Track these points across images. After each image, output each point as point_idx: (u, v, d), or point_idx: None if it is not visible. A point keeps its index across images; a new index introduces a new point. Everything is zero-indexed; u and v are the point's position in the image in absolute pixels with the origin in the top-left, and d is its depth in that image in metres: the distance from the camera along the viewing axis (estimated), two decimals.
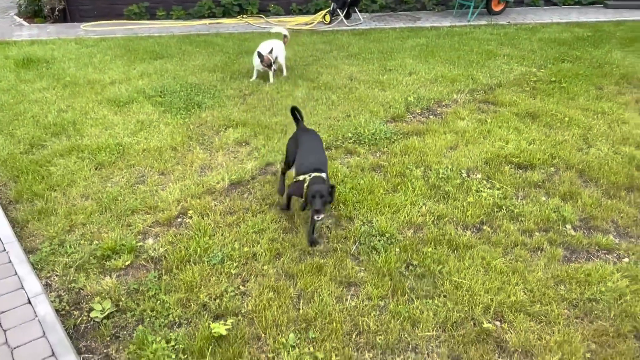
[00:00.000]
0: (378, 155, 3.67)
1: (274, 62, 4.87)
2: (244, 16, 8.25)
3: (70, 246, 2.73)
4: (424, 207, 3.06)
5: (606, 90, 4.77)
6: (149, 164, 3.56)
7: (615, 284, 2.48)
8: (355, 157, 3.63)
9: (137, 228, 2.89)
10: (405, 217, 2.95)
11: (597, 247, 2.77)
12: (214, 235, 2.81)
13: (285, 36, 5.32)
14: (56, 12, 8.16)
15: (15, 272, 2.50)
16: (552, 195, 3.19)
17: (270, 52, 4.85)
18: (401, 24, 7.53)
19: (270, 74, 4.99)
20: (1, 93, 4.90)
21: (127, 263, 2.62)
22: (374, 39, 6.62)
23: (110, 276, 2.53)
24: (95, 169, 3.51)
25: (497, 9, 7.88)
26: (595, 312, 2.31)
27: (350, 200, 3.09)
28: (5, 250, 2.65)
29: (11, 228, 2.86)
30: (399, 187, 3.25)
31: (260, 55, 4.83)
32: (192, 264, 2.59)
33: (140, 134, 4.00)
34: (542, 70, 5.31)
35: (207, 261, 2.61)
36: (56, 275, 2.54)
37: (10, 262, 2.57)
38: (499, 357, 2.11)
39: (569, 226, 2.91)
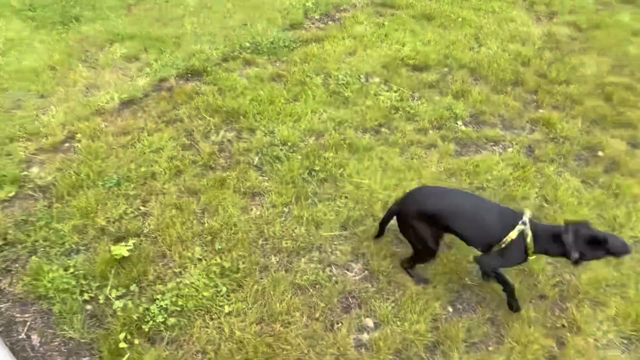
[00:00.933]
0: (277, 64, 3.55)
1: None
2: None
3: None
4: (324, 114, 3.06)
5: None
6: (24, 87, 3.20)
7: (500, 172, 2.69)
8: (254, 68, 3.49)
9: (18, 157, 2.64)
10: (306, 125, 2.94)
11: (485, 140, 2.95)
12: (107, 158, 2.64)
13: None
14: None
15: None
16: (445, 94, 3.30)
17: None
18: None
19: None
20: None
21: (11, 194, 2.41)
22: None
23: None
24: None
25: None
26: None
27: (251, 112, 3.00)
28: None
29: None
30: (299, 95, 3.20)
31: None
32: (86, 189, 2.44)
33: (11, 54, 3.55)
34: None
35: (102, 185, 2.47)
36: None
37: None
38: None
39: (460, 122, 3.06)
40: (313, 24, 4.13)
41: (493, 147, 2.90)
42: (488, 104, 3.23)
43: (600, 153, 2.91)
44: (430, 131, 2.97)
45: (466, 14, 4.32)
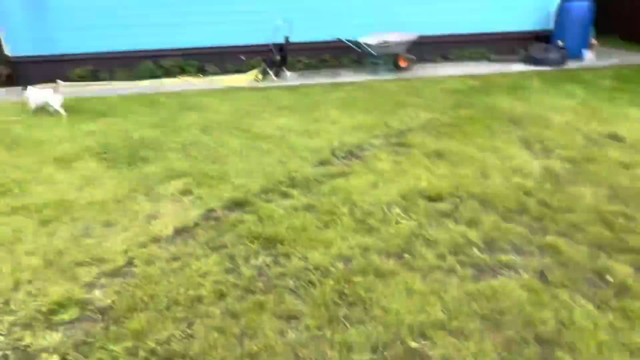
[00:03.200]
0: (309, 196, 3.68)
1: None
2: (184, 76, 8.19)
3: (15, 304, 2.49)
4: (352, 240, 3.08)
5: (496, 130, 5.10)
6: (93, 217, 3.37)
7: (517, 297, 2.59)
8: (289, 199, 3.62)
9: (83, 280, 2.69)
10: (336, 251, 2.95)
11: (500, 265, 2.89)
12: (160, 282, 2.67)
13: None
14: (3, 78, 7.71)
15: None
16: (459, 223, 3.32)
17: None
18: (324, 79, 7.75)
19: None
20: None
21: (74, 316, 2.42)
22: (302, 94, 6.76)
23: (57, 331, 2.33)
24: (41, 225, 3.27)
25: (403, 65, 8.31)
26: (503, 323, 2.38)
27: (287, 239, 3.06)
28: None
29: None
30: (329, 224, 3.26)
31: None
32: (139, 312, 2.43)
33: (85, 190, 3.79)
34: (444, 116, 5.61)
35: (154, 307, 2.47)
36: (1, 335, 2.30)
37: None
38: None
39: (475, 248, 3.03)
40: (339, 161, 4.34)
41: (508, 272, 2.83)
42: (499, 231, 3.22)
43: (609, 277, 2.81)
44: (448, 257, 2.94)
45: (472, 152, 4.49)
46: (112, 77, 8.11)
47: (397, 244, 3.03)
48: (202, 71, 8.35)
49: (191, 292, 2.58)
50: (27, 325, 2.36)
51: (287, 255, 2.92)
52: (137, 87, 7.49)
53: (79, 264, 2.83)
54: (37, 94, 6.08)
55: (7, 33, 7.74)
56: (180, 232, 3.20)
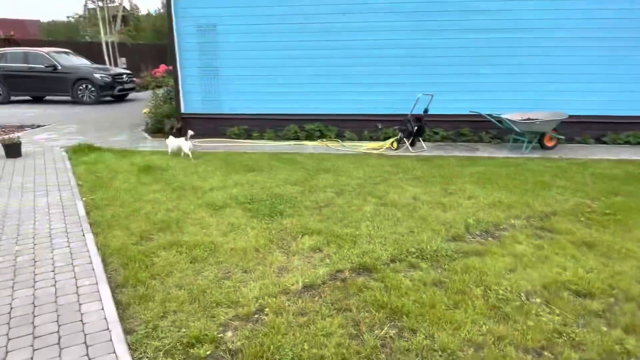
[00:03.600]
0: (439, 271, 3.55)
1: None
2: (324, 140, 8.73)
3: (161, 331, 2.77)
4: (484, 326, 2.86)
5: None
6: (234, 262, 3.66)
7: None
8: (418, 272, 3.53)
9: (219, 320, 2.90)
10: (466, 334, 2.76)
11: None
12: (286, 334, 2.75)
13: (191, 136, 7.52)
14: (174, 130, 9.06)
15: (114, 350, 2.55)
16: (613, 326, 2.89)
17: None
18: (460, 153, 7.63)
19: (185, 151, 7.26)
20: (124, 192, 5.37)
21: (207, 353, 2.60)
22: (436, 165, 6.71)
23: None
24: (190, 263, 3.65)
25: (549, 144, 7.83)
26: None
27: (413, 313, 2.96)
28: (108, 329, 2.74)
29: (115, 309, 2.97)
30: (459, 304, 3.09)
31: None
32: None
33: (230, 235, 4.16)
34: (596, 203, 5.08)
35: (279, 359, 2.54)
36: (147, 357, 2.56)
37: (111, 340, 2.63)
38: None
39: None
40: (474, 238, 4.15)
41: None
42: None
43: None
44: None
45: (630, 246, 3.95)
46: (261, 136, 9.00)
47: (537, 340, 2.73)
48: (340, 136, 8.85)
49: (314, 351, 2.61)
50: (168, 353, 2.60)
51: (412, 331, 2.82)
52: (281, 147, 8.18)
53: (218, 304, 3.07)
54: (173, 141, 7.57)
55: (185, 94, 9.16)
56: (309, 288, 3.30)
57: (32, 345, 2.59)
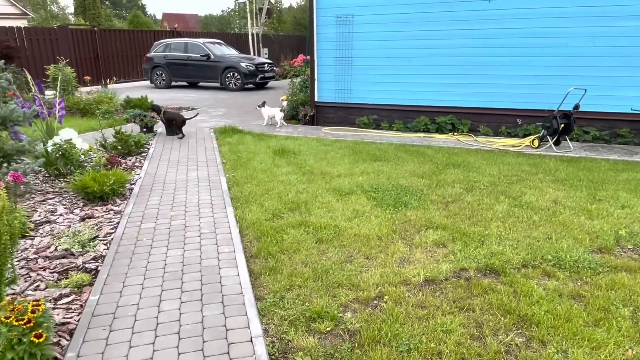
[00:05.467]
0: (579, 283, 3.21)
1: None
2: (455, 133, 8.39)
3: (287, 302, 2.96)
4: (630, 350, 2.53)
5: None
6: (357, 248, 3.74)
7: None
8: (553, 281, 3.24)
9: (339, 300, 3.00)
10: (607, 356, 2.47)
11: None
12: (404, 324, 2.75)
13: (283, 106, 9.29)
14: (307, 117, 9.49)
15: (246, 313, 2.80)
16: None
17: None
18: (615, 156, 6.73)
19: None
20: (260, 172, 5.81)
21: (327, 329, 2.72)
22: (584, 168, 6.02)
23: (313, 337, 2.65)
24: (315, 243, 3.82)
25: None
26: None
27: (545, 324, 2.73)
28: (242, 293, 3.02)
29: (248, 277, 3.25)
30: (601, 322, 2.76)
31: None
32: (382, 346, 2.56)
33: (354, 221, 4.26)
34: None
35: (395, 347, 2.55)
36: (273, 324, 2.77)
37: (243, 304, 2.90)
38: None
39: None
40: (625, 252, 3.66)
41: None
42: None
43: None
44: None
45: None
46: (390, 127, 8.98)
47: None
48: (473, 130, 8.42)
49: (432, 345, 2.56)
50: (292, 323, 2.78)
51: (542, 342, 2.60)
52: (409, 139, 8.06)
53: (340, 285, 3.18)
54: (269, 111, 9.27)
55: (319, 83, 9.51)
56: (430, 282, 3.24)
57: (179, 298, 2.97)
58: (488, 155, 6.79)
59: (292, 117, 9.99)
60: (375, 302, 3.01)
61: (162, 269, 3.35)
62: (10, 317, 2.33)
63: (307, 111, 9.61)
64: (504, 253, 3.61)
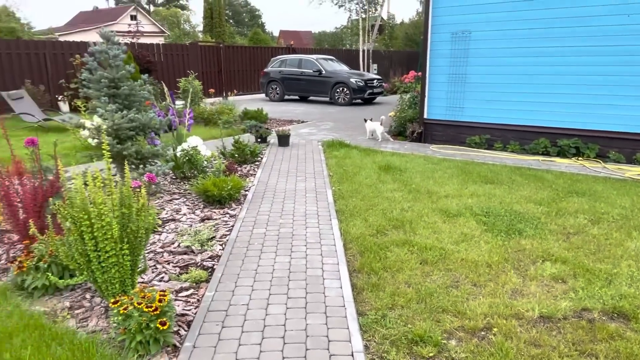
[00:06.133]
0: None
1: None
2: (579, 158, 7.69)
3: (389, 321, 2.93)
4: None
5: None
6: (464, 273, 3.58)
7: None
8: None
9: (444, 326, 2.90)
10: None
11: None
12: None
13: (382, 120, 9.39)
14: (415, 134, 9.36)
15: (347, 326, 2.83)
16: None
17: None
18: None
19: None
20: (365, 187, 5.85)
21: (430, 354, 2.63)
22: None
23: None
24: (419, 264, 3.74)
25: None
26: None
27: None
28: (344, 306, 3.05)
29: (351, 291, 3.28)
30: None
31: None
32: None
33: (461, 245, 4.09)
34: None
35: None
36: (374, 342, 2.75)
37: (345, 317, 2.93)
38: None
39: None
40: None
41: None
42: None
43: None
44: None
45: None
46: (504, 148, 8.51)
47: None
48: (601, 156, 7.64)
49: None
50: (393, 343, 2.74)
51: None
52: (525, 161, 7.55)
53: (444, 310, 3.07)
54: (370, 125, 9.67)
55: (430, 100, 9.35)
56: (546, 319, 2.99)
57: (285, 304, 3.09)
58: (619, 184, 6.09)
59: (398, 133, 9.93)
60: (482, 333, 2.86)
61: (270, 273, 3.52)
62: (141, 303, 2.62)
63: (414, 128, 9.49)
64: (636, 296, 3.21)
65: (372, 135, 9.75)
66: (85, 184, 2.85)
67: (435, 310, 3.07)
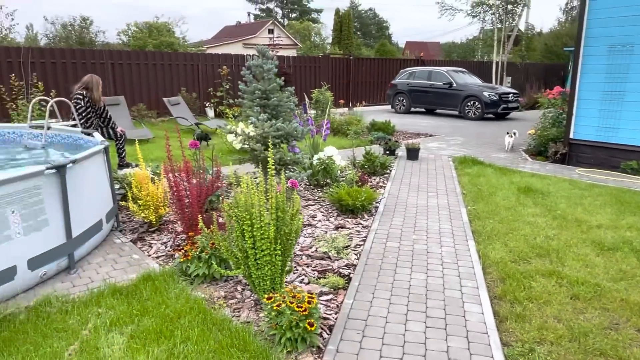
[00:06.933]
0: None
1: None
2: None
3: (537, 356, 2.75)
4: None
5: None
6: (625, 315, 3.21)
7: None
8: None
9: None
10: None
11: None
12: None
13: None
14: (558, 155, 8.63)
15: (492, 355, 2.72)
16: None
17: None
18: None
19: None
20: (503, 209, 5.55)
21: None
22: None
23: None
24: (570, 298, 3.45)
25: None
26: None
27: None
28: (487, 334, 2.94)
29: (493, 318, 3.14)
30: None
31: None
32: None
33: (620, 283, 3.68)
34: None
35: None
36: None
37: (489, 345, 2.82)
38: None
39: None
40: None
41: None
42: None
43: None
44: None
45: None
46: None
47: None
48: None
49: None
50: None
51: None
52: None
53: (602, 354, 2.79)
54: (508, 139, 9.81)
55: (577, 119, 8.55)
56: None
57: (424, 322, 3.08)
58: None
59: (538, 153, 9.23)
60: None
61: (407, 289, 3.53)
62: (293, 302, 2.82)
63: (557, 148, 8.74)
64: None
65: (509, 149, 9.89)
66: (239, 184, 3.16)
67: (591, 352, 2.81)
